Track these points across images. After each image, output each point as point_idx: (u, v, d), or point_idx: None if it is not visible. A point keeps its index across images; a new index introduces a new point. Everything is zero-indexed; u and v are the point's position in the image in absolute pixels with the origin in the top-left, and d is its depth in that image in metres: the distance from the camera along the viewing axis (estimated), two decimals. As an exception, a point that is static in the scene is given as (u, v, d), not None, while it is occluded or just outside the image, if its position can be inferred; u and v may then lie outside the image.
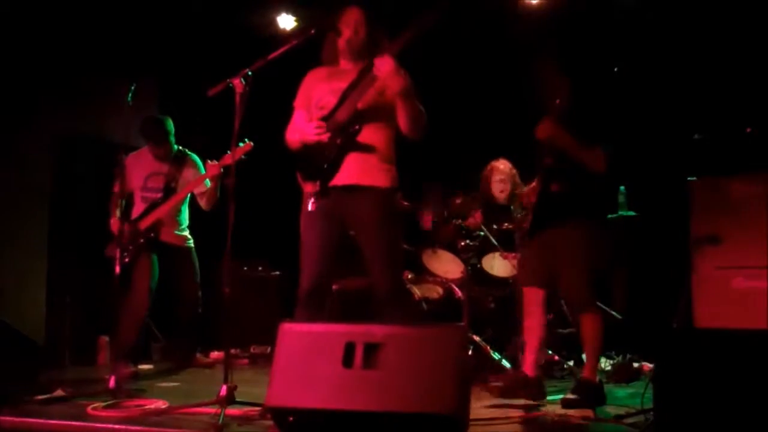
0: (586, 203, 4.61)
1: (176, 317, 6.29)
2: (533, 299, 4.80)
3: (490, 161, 6.53)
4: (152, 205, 5.99)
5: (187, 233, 6.22)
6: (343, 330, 3.45)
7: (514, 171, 6.42)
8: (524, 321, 4.85)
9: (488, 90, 7.33)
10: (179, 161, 6.17)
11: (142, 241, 5.90)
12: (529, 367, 4.71)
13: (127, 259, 5.74)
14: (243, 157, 5.43)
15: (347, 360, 3.33)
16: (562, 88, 4.67)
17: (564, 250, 4.59)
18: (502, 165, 6.45)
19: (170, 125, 6.15)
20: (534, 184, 5.00)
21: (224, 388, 3.89)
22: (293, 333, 3.52)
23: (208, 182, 6.00)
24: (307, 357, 3.40)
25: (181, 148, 6.24)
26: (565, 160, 4.60)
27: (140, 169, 6.10)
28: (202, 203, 6.13)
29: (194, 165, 6.21)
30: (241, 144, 5.41)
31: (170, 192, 6.03)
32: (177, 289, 6.18)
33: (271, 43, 4.66)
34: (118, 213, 5.83)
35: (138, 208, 6.06)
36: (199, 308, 6.19)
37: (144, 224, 5.94)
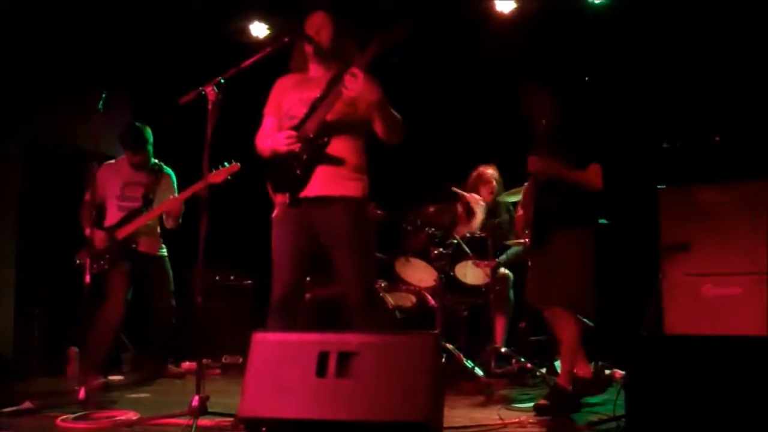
0: (580, 213, 4.67)
1: (149, 327, 6.24)
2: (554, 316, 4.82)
3: (477, 167, 6.60)
4: (130, 215, 5.94)
5: (161, 242, 6.18)
6: (316, 339, 3.44)
7: (499, 180, 6.50)
8: (559, 338, 4.86)
9: (461, 98, 7.36)
10: (156, 173, 6.13)
11: (119, 250, 5.84)
12: (584, 369, 4.81)
13: (96, 268, 5.67)
14: (228, 177, 5.41)
15: (320, 369, 3.33)
16: (548, 107, 4.74)
17: (559, 254, 4.63)
18: (490, 170, 6.54)
19: (149, 134, 6.12)
20: (522, 197, 5.08)
21: (196, 398, 3.86)
22: (266, 342, 3.51)
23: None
24: (280, 366, 3.39)
25: (157, 161, 6.20)
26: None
27: (117, 178, 6.05)
28: (168, 223, 6.09)
29: (169, 180, 6.19)
30: (227, 164, 5.39)
31: (149, 203, 5.98)
32: (150, 298, 6.12)
33: (244, 51, 4.68)
34: (89, 223, 5.80)
35: (112, 217, 5.99)
36: (173, 318, 6.14)
37: (122, 234, 5.88)
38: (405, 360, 3.31)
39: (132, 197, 6.02)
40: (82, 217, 5.95)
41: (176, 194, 6.06)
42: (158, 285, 6.12)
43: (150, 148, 6.12)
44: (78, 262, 5.85)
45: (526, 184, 5.14)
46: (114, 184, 6.04)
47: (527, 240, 5.14)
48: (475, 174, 6.64)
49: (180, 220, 6.03)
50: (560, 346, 4.85)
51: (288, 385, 3.34)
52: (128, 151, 6.09)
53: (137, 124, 6.18)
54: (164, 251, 6.19)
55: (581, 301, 4.63)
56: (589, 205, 4.69)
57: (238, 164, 5.42)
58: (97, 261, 5.69)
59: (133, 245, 5.91)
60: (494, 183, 6.53)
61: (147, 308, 6.16)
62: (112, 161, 6.19)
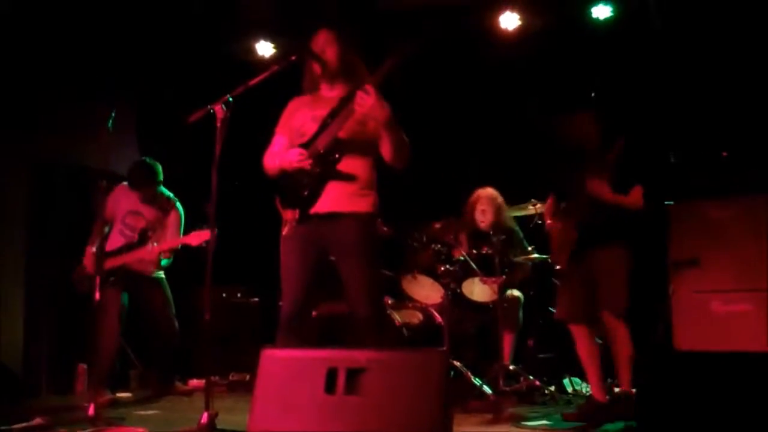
0: (624, 230, 4.81)
1: (153, 349, 6.24)
2: (582, 334, 4.90)
3: (477, 189, 6.60)
4: (123, 248, 5.96)
5: (154, 265, 6.13)
6: (325, 355, 3.43)
7: (500, 200, 6.50)
8: (581, 355, 4.94)
9: (471, 116, 7.38)
10: (165, 209, 6.14)
11: (104, 277, 5.79)
12: (599, 393, 4.83)
13: (86, 289, 5.74)
14: (203, 244, 5.46)
15: (329, 386, 3.32)
16: (593, 133, 4.91)
17: (604, 266, 4.77)
18: (487, 193, 6.54)
19: (157, 170, 6.13)
20: (548, 205, 5.25)
21: (205, 415, 3.87)
22: (275, 359, 3.50)
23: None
24: (289, 383, 3.38)
25: (171, 196, 6.21)
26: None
27: (125, 203, 6.09)
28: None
29: (177, 218, 6.17)
30: (203, 229, 5.48)
31: (144, 240, 5.97)
32: (150, 320, 6.12)
33: (249, 69, 4.72)
34: (96, 242, 5.84)
35: (113, 239, 6.03)
36: (176, 338, 6.13)
37: (109, 264, 5.88)
38: (414, 377, 3.30)
39: (131, 226, 6.05)
40: (91, 234, 5.98)
41: (180, 232, 6.09)
42: (158, 308, 6.10)
43: (156, 183, 6.12)
44: (74, 279, 5.97)
45: (547, 201, 5.29)
46: (121, 208, 6.08)
47: (559, 259, 5.11)
48: (473, 196, 6.64)
49: (162, 263, 6.07)
50: (584, 361, 4.93)
51: (297, 401, 3.33)
52: (131, 186, 6.11)
53: (147, 160, 6.19)
54: (161, 274, 6.17)
55: (623, 308, 4.75)
56: (631, 222, 4.82)
57: (209, 233, 5.45)
58: (86, 281, 5.80)
59: (115, 278, 5.90)
60: (492, 206, 6.52)
61: (150, 331, 6.16)
62: (126, 184, 6.19)
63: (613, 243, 4.79)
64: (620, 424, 4.46)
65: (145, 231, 6.00)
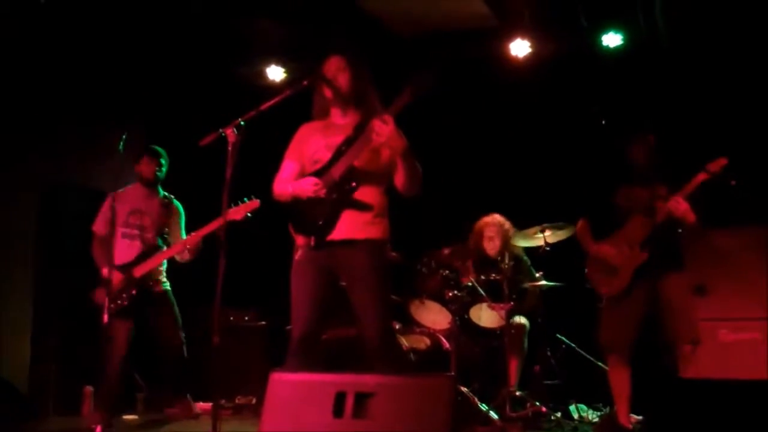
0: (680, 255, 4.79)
1: (159, 363, 6.18)
2: (622, 363, 4.91)
3: (483, 216, 6.61)
4: (146, 252, 5.90)
5: (162, 277, 6.13)
6: (334, 379, 3.43)
7: (507, 226, 6.51)
8: (615, 384, 4.95)
9: (481, 143, 7.41)
10: (167, 206, 6.07)
11: (134, 291, 5.77)
12: (625, 419, 4.82)
13: (114, 308, 5.64)
14: (248, 215, 5.38)
15: (338, 410, 3.32)
16: (651, 153, 4.94)
17: (677, 291, 4.72)
18: (494, 220, 6.55)
19: (165, 156, 6.10)
20: (582, 228, 5.22)
21: (212, 437, 3.86)
22: (283, 382, 3.51)
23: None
24: (297, 407, 3.39)
25: (167, 194, 6.16)
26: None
27: (124, 206, 5.95)
28: (183, 255, 5.94)
29: (179, 214, 6.13)
30: (246, 200, 5.37)
31: (165, 240, 5.94)
32: (158, 334, 6.00)
33: (260, 94, 4.75)
34: (109, 260, 5.80)
35: (118, 245, 5.88)
36: (183, 352, 6.07)
37: (139, 272, 5.80)
38: (422, 402, 3.30)
39: (135, 224, 5.90)
40: (94, 253, 5.93)
41: (183, 229, 6.06)
42: (165, 320, 5.94)
43: (161, 164, 6.05)
44: (94, 301, 5.81)
45: (579, 224, 5.26)
46: (121, 212, 5.94)
47: (611, 284, 5.01)
48: (480, 223, 6.65)
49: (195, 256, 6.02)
50: (618, 390, 4.93)
51: (305, 424, 3.33)
52: (146, 158, 6.00)
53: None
54: (167, 285, 6.12)
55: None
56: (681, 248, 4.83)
57: (258, 201, 5.38)
58: (115, 301, 5.67)
59: (150, 283, 5.87)
60: (499, 233, 6.53)
61: (157, 345, 6.12)
62: (121, 190, 6.08)
63: (681, 268, 4.75)
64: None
65: (162, 232, 5.94)
